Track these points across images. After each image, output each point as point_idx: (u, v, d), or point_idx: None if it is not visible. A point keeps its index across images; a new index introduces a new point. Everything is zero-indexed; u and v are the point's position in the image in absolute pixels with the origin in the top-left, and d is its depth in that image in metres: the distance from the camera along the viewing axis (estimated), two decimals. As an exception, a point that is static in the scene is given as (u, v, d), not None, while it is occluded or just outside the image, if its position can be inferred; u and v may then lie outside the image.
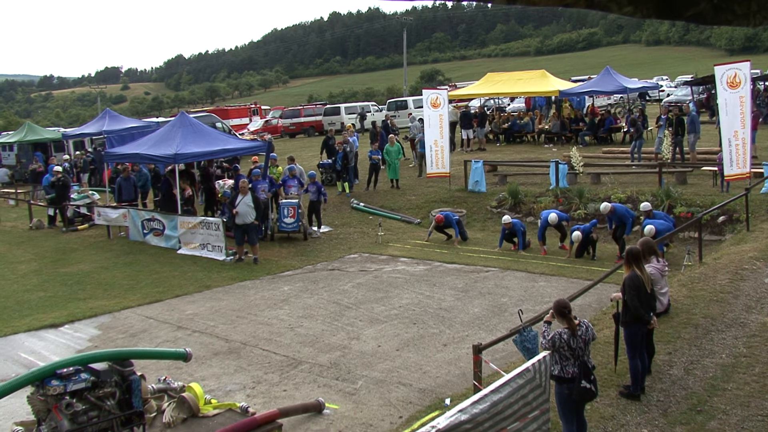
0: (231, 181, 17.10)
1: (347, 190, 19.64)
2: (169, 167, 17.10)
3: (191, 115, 21.78)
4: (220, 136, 18.38)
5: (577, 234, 13.13)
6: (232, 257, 14.51)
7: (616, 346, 7.25)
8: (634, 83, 28.72)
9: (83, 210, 19.24)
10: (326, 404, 7.24)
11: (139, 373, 6.11)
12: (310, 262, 14.31)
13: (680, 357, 7.58)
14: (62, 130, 36.48)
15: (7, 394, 5.66)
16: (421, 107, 22.26)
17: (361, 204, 18.54)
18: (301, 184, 16.60)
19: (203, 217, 16.09)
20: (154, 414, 6.41)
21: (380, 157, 20.14)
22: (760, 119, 24.12)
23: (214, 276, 13.40)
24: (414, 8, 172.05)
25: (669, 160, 17.47)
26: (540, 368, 5.49)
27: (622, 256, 8.42)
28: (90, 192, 20.44)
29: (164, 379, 6.99)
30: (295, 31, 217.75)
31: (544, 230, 13.90)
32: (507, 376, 5.30)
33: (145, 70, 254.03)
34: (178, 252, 15.32)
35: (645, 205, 12.98)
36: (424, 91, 20.98)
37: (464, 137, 25.55)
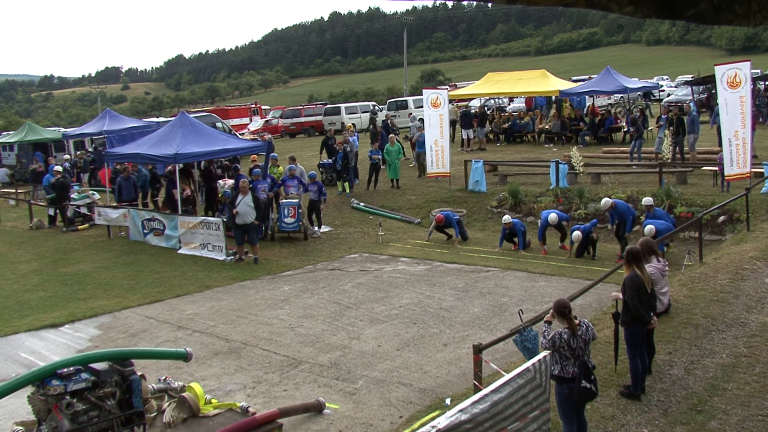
0: (231, 181, 17.11)
1: (347, 190, 19.65)
2: (169, 167, 17.10)
3: (191, 115, 21.79)
4: (221, 136, 18.39)
5: (577, 234, 13.13)
6: (232, 257, 14.51)
7: (616, 345, 7.25)
8: (635, 83, 28.72)
9: (83, 210, 19.24)
10: (326, 404, 7.24)
11: (139, 373, 6.11)
12: (310, 262, 14.31)
13: (680, 357, 7.58)
14: (62, 130, 36.50)
15: (7, 394, 5.67)
16: (422, 107, 22.27)
17: (362, 204, 18.55)
18: (302, 184, 16.60)
19: (203, 217, 16.09)
20: (155, 414, 6.41)
21: (380, 156, 20.15)
22: (760, 119, 24.14)
23: (214, 276, 13.40)
24: (414, 8, 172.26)
25: (669, 160, 17.46)
26: (540, 368, 5.49)
27: (623, 256, 8.42)
28: (90, 192, 20.45)
29: (164, 379, 6.99)
30: (296, 31, 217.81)
31: (544, 230, 13.90)
32: (507, 376, 5.30)
33: (145, 70, 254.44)
34: (179, 252, 15.32)
35: (647, 200, 13.00)
36: (424, 90, 20.99)
37: (464, 137, 25.55)
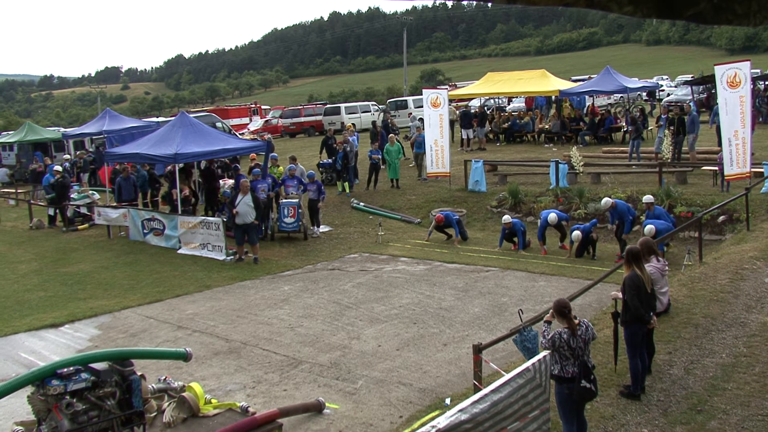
0: (231, 181, 17.11)
1: (347, 190, 19.65)
2: (168, 168, 17.09)
3: (191, 115, 21.79)
4: (220, 136, 18.39)
5: (577, 234, 13.13)
6: (232, 257, 14.51)
7: (615, 345, 7.25)
8: (635, 83, 28.71)
9: (83, 210, 19.24)
10: (326, 404, 7.24)
11: (139, 373, 6.11)
12: (310, 261, 14.31)
13: (680, 357, 7.58)
14: (62, 129, 36.50)
15: (7, 394, 5.67)
16: (421, 107, 22.27)
17: (361, 204, 18.55)
18: (301, 183, 16.60)
19: (203, 217, 16.09)
20: (155, 414, 6.41)
21: (380, 156, 20.15)
22: (760, 119, 24.14)
23: (214, 276, 13.40)
24: (414, 8, 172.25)
25: (669, 160, 17.46)
26: (540, 368, 5.49)
27: (623, 256, 8.42)
28: (90, 192, 20.45)
29: (164, 379, 6.99)
30: (295, 31, 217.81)
31: (543, 230, 13.90)
32: (507, 376, 5.30)
33: (145, 69, 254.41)
34: (179, 252, 15.32)
35: (647, 198, 13.02)
36: (424, 90, 20.99)
37: (464, 137, 25.55)
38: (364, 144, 23.85)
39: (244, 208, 14.19)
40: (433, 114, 19.17)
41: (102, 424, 5.61)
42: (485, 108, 31.60)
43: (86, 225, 18.76)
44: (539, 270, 12.47)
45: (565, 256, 13.56)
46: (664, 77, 56.19)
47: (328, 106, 42.00)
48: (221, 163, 19.55)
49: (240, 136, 25.64)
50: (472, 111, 27.79)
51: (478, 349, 6.60)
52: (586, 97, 28.16)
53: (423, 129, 20.00)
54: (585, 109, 28.30)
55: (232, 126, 33.77)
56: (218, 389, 7.87)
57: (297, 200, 16.03)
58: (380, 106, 37.17)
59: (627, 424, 6.29)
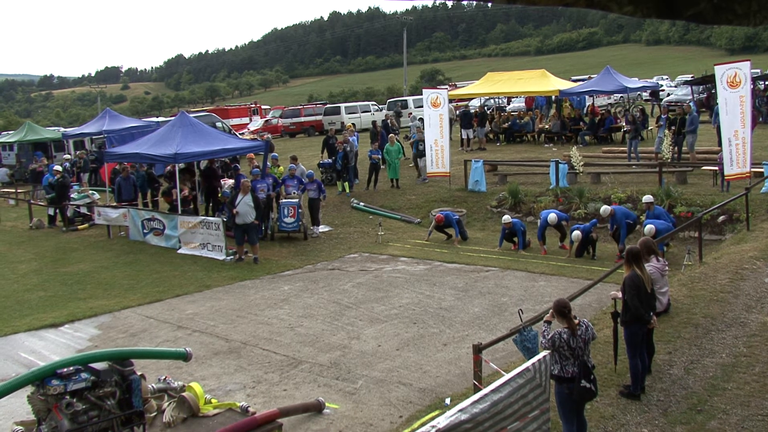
0: (231, 181, 17.10)
1: (347, 190, 19.65)
2: (168, 168, 17.08)
3: (191, 115, 21.79)
4: (220, 136, 18.39)
5: (577, 233, 13.13)
6: (232, 257, 14.51)
7: (615, 345, 7.25)
8: (634, 83, 28.72)
9: (83, 210, 19.24)
10: (326, 404, 7.24)
11: (139, 373, 6.11)
12: (310, 261, 14.31)
13: (680, 356, 7.58)
14: (62, 129, 36.49)
15: (7, 394, 5.67)
16: (421, 107, 22.26)
17: (361, 204, 18.55)
18: (301, 183, 16.61)
19: (203, 217, 16.09)
20: (155, 414, 6.41)
21: (380, 156, 20.15)
22: (760, 119, 24.13)
23: (214, 276, 13.40)
24: (414, 8, 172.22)
25: (669, 160, 17.47)
26: (540, 368, 5.49)
27: (622, 256, 8.42)
28: (90, 192, 20.45)
29: (164, 379, 6.99)
30: (295, 31, 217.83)
31: (543, 230, 13.90)
32: (507, 376, 5.30)
33: (145, 69, 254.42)
34: (178, 252, 15.32)
35: (647, 198, 13.02)
36: (424, 90, 20.98)
37: (464, 137, 25.55)
38: (364, 144, 23.85)
39: (245, 208, 14.19)
40: (433, 114, 19.17)
41: (102, 423, 5.61)
42: (485, 108, 31.60)
43: (86, 225, 18.77)
44: (539, 270, 12.47)
45: (565, 256, 13.56)
46: (664, 77, 56.16)
47: (328, 106, 42.00)
48: (221, 163, 19.55)
49: (240, 136, 25.64)
50: (472, 111, 27.78)
51: (478, 349, 6.60)
52: (586, 97, 28.17)
53: (423, 129, 19.99)
54: (585, 109, 28.30)
55: (232, 126, 33.77)
56: (218, 389, 7.87)
57: (297, 200, 16.03)
58: (393, 107, 36.70)
59: (627, 424, 6.29)
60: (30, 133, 29.60)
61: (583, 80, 34.98)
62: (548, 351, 5.71)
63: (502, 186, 18.28)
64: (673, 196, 14.66)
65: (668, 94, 37.22)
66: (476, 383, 6.52)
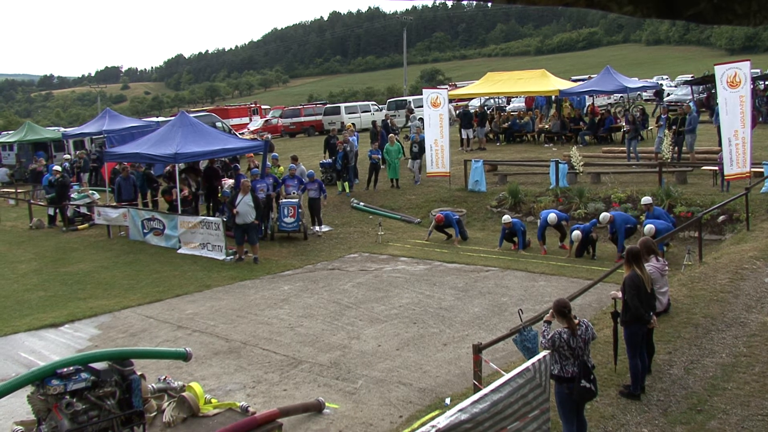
0: (231, 181, 17.10)
1: (347, 190, 19.65)
2: (168, 168, 17.06)
3: (191, 115, 21.79)
4: (220, 136, 18.39)
5: (576, 233, 13.13)
6: (232, 257, 14.51)
7: (615, 345, 7.25)
8: (634, 83, 28.72)
9: (83, 209, 19.24)
10: (326, 404, 7.24)
11: (139, 373, 6.11)
12: (310, 261, 14.31)
13: (680, 356, 7.58)
14: (62, 129, 36.48)
15: (7, 394, 5.66)
16: (422, 107, 22.25)
17: (361, 203, 18.54)
18: (301, 183, 16.61)
19: (203, 217, 16.09)
20: (154, 413, 6.41)
21: (380, 156, 20.15)
22: (760, 119, 24.13)
23: (214, 275, 13.40)
24: (414, 8, 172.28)
25: (669, 160, 17.47)
26: (540, 368, 5.49)
27: (622, 256, 8.42)
28: (90, 192, 20.45)
29: (164, 379, 6.99)
30: (295, 31, 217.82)
31: (543, 230, 13.90)
32: (507, 376, 5.30)
33: (145, 69, 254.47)
34: (178, 251, 15.32)
35: (646, 199, 13.02)
36: (424, 90, 20.98)
37: (464, 137, 25.55)
38: (364, 144, 23.85)
39: (245, 207, 14.19)
40: (433, 114, 19.16)
41: (102, 423, 5.61)
42: (485, 108, 31.60)
43: (86, 225, 18.77)
44: (539, 270, 12.47)
45: (565, 256, 13.56)
46: (664, 77, 56.18)
47: (328, 106, 41.98)
48: (221, 163, 19.55)
49: (240, 136, 25.65)
50: (472, 111, 27.78)
51: (478, 349, 6.60)
52: (586, 96, 28.17)
53: (423, 129, 19.99)
54: (585, 108, 28.30)
55: (232, 126, 33.77)
56: (218, 389, 7.87)
57: (297, 200, 16.03)
58: (407, 107, 36.20)
59: (627, 423, 6.29)
60: (30, 133, 29.60)
61: (583, 80, 34.99)
62: (548, 351, 5.71)
63: (502, 186, 18.28)
64: (673, 196, 14.66)
65: (668, 94, 37.23)
66: (476, 383, 6.52)
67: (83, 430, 5.50)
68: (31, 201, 21.27)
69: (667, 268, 8.79)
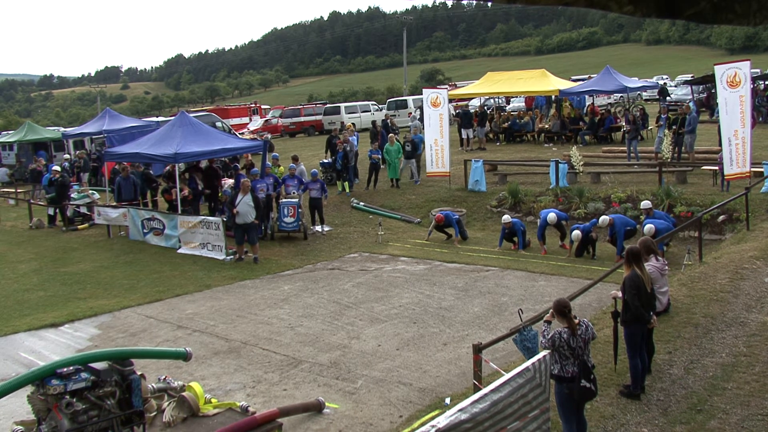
0: (231, 181, 17.09)
1: (347, 190, 19.65)
2: (167, 168, 17.05)
3: (191, 115, 21.79)
4: (220, 136, 18.39)
5: (576, 233, 13.13)
6: (232, 257, 14.51)
7: (615, 345, 7.25)
8: (634, 82, 28.72)
9: (83, 209, 19.24)
10: (326, 403, 7.24)
11: (139, 373, 6.10)
12: (310, 261, 14.31)
13: (680, 356, 7.58)
14: (62, 129, 36.47)
15: (7, 394, 5.66)
16: (421, 107, 22.25)
17: (361, 203, 18.54)
18: (301, 183, 16.61)
19: (203, 217, 16.08)
20: (154, 413, 6.41)
21: (380, 156, 20.15)
22: (760, 119, 24.13)
23: (214, 275, 13.40)
24: (414, 7, 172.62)
25: (669, 160, 17.47)
26: (540, 367, 5.49)
27: (622, 256, 8.42)
28: (90, 191, 20.45)
29: (164, 379, 6.99)
30: (295, 31, 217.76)
31: (543, 230, 13.90)
32: (507, 376, 5.30)
33: (145, 69, 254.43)
34: (178, 251, 15.32)
35: (645, 203, 13.00)
36: (424, 90, 20.97)
37: (464, 137, 25.54)
38: (364, 144, 23.85)
39: (245, 207, 14.19)
40: (433, 114, 19.16)
41: (102, 423, 5.61)
42: (485, 108, 31.59)
43: (86, 225, 18.76)
44: (539, 270, 12.47)
45: (564, 255, 13.56)
46: (664, 77, 56.21)
47: (328, 105, 41.99)
48: (221, 162, 19.55)
49: (240, 136, 25.64)
50: (472, 111, 27.78)
51: (477, 349, 6.61)
52: (586, 96, 28.17)
53: (421, 130, 19.98)
54: (585, 108, 28.30)
55: (232, 126, 33.77)
56: (218, 389, 7.87)
57: (297, 200, 16.03)
58: (414, 110, 36.05)
59: (627, 423, 6.29)
60: (30, 133, 29.60)
61: (583, 80, 34.98)
62: (548, 351, 5.71)
63: (502, 186, 18.29)
64: (673, 196, 14.66)
65: (669, 94, 37.21)
66: (476, 383, 6.52)
67: (83, 429, 5.50)
68: (31, 201, 21.27)
69: (667, 267, 8.79)
